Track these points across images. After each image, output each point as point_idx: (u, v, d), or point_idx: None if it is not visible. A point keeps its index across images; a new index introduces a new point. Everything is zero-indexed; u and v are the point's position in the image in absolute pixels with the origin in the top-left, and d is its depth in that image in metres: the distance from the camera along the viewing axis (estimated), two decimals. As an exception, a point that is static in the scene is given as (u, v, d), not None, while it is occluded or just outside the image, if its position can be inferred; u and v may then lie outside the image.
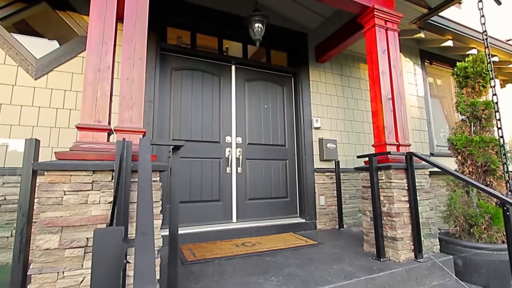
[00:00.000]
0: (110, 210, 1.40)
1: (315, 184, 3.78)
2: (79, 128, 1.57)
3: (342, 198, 3.82)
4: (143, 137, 1.71)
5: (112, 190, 1.49)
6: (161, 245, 1.56)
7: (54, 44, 2.82)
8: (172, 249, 1.68)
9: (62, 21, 2.86)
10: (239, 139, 3.60)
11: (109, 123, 1.68)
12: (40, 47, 2.74)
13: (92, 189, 1.46)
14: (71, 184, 1.42)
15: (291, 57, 4.19)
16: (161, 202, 1.61)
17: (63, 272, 1.35)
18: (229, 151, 3.51)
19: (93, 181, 1.47)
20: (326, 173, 3.87)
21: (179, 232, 2.94)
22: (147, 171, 1.12)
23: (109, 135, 1.70)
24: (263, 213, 3.60)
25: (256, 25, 3.18)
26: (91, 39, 1.67)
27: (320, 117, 3.98)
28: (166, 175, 2.67)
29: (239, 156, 3.55)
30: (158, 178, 1.60)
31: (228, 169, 3.48)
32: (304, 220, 3.68)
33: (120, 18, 1.82)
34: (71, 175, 1.43)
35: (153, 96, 3.04)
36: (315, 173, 3.80)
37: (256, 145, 3.71)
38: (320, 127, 3.94)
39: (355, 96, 4.39)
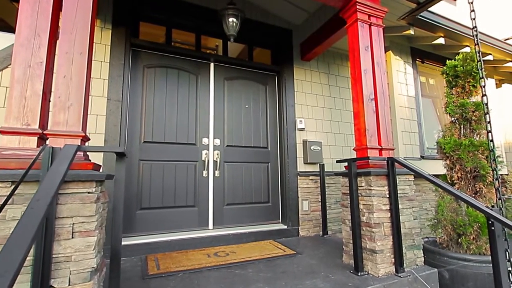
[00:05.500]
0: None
1: (298, 188, 3.59)
2: (2, 132, 1.37)
3: (327, 203, 3.63)
4: (81, 142, 1.52)
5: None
6: (95, 266, 1.36)
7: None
8: (114, 267, 1.49)
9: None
10: (217, 141, 3.40)
11: (43, 127, 1.48)
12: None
13: (12, 203, 1.27)
14: (-17, 197, 1.23)
15: (275, 55, 3.98)
16: (97, 216, 1.41)
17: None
18: (206, 154, 3.31)
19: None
20: (310, 177, 3.68)
21: (149, 240, 2.81)
22: (49, 188, 0.92)
23: (43, 140, 1.51)
24: (242, 219, 3.41)
25: (230, 19, 2.97)
26: (20, 30, 1.47)
27: (304, 118, 3.78)
28: (134, 181, 2.55)
29: (217, 159, 3.35)
30: (94, 189, 1.41)
31: (204, 172, 3.28)
32: (286, 227, 3.49)
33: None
34: (-17, 187, 1.23)
35: (122, 95, 2.84)
36: (298, 176, 3.61)
37: (236, 147, 3.51)
38: (304, 128, 3.75)
39: (343, 96, 4.19)
